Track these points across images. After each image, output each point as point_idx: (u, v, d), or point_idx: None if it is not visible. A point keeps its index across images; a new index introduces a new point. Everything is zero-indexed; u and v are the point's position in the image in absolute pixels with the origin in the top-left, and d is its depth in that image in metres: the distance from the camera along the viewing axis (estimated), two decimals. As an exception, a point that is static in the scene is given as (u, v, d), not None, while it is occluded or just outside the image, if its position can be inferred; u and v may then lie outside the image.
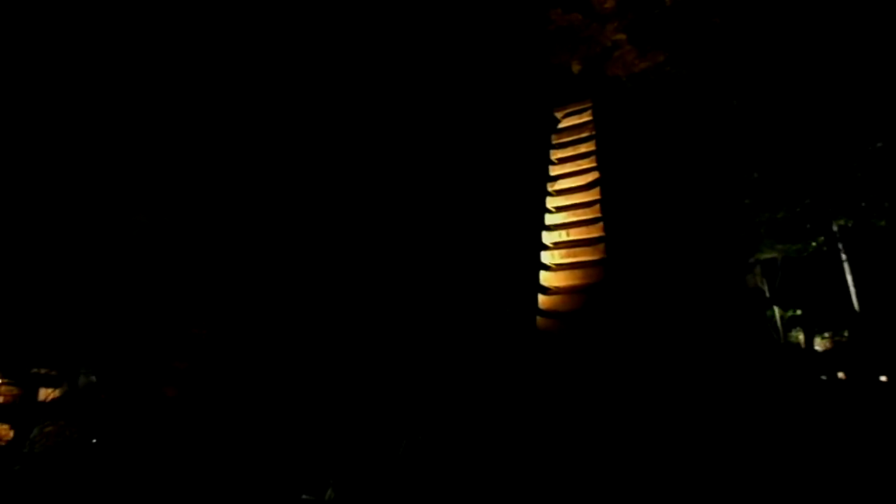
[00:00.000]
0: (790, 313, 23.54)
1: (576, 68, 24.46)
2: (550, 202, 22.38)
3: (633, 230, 21.55)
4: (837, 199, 21.95)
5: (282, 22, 27.44)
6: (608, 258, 20.27)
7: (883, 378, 18.30)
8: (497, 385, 20.16)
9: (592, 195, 21.45)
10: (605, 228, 20.70)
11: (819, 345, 23.56)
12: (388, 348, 22.22)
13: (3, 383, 22.28)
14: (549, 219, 22.15)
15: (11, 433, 20.68)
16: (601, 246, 20.49)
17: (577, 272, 20.85)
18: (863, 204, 21.57)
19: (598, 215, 21.02)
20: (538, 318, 20.90)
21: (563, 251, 21.43)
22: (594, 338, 19.19)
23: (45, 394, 22.62)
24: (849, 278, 21.29)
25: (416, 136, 25.30)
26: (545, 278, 21.33)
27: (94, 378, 22.76)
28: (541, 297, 21.08)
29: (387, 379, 21.37)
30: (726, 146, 24.83)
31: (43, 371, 22.78)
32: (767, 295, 24.21)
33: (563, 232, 21.64)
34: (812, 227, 22.42)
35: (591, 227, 21.06)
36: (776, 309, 23.49)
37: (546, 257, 21.61)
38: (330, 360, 22.88)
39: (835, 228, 22.22)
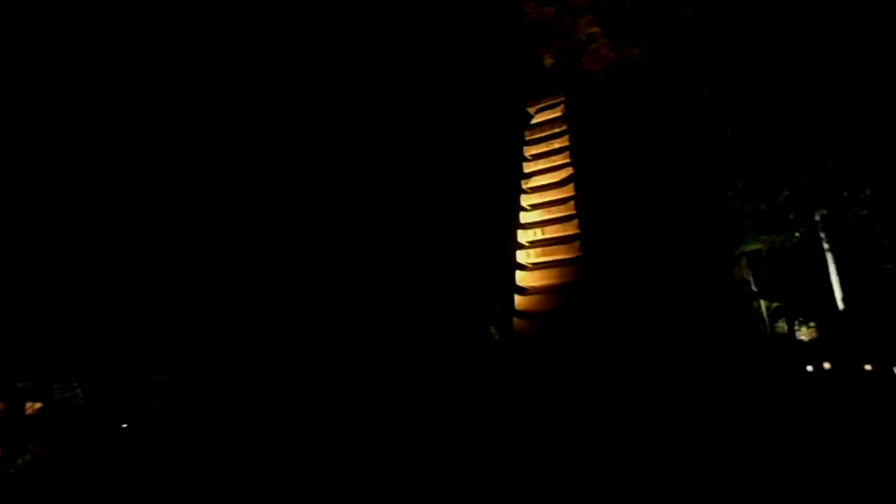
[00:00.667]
0: (775, 305, 23.28)
1: (548, 62, 23.90)
2: (525, 199, 21.81)
3: (610, 226, 21.04)
4: (818, 189, 21.67)
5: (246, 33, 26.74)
6: (584, 256, 19.71)
7: (868, 367, 17.92)
8: (473, 390, 19.59)
9: (567, 192, 20.90)
10: (580, 225, 20.14)
11: (805, 334, 23.30)
12: (361, 351, 21.57)
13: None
14: (524, 217, 21.58)
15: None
16: (576, 244, 19.96)
17: (552, 271, 20.30)
18: (844, 193, 21.29)
19: (573, 212, 20.48)
20: (515, 319, 20.33)
21: (538, 250, 20.87)
22: (572, 340, 18.64)
23: (30, 407, 22.14)
24: (831, 268, 21.05)
25: (387, 133, 24.63)
26: (521, 278, 20.76)
27: (77, 390, 22.29)
28: (517, 298, 20.53)
29: (359, 382, 20.72)
30: (703, 138, 24.46)
31: (27, 384, 22.25)
32: (753, 287, 23.91)
33: (539, 230, 21.07)
34: (794, 218, 22.15)
35: (566, 225, 20.51)
36: (762, 301, 23.20)
37: (521, 256, 21.05)
38: (305, 364, 22.24)
39: (817, 218, 21.93)
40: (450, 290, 22.22)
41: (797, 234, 22.25)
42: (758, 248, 23.36)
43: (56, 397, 22.48)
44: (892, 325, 19.34)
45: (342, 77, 24.98)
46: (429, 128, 24.95)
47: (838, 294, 20.91)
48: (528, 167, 22.23)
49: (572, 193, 20.79)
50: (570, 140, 21.93)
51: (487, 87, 25.74)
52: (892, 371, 12.83)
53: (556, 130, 22.11)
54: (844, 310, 20.82)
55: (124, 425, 20.38)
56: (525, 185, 22.03)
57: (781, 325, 23.54)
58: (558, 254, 20.39)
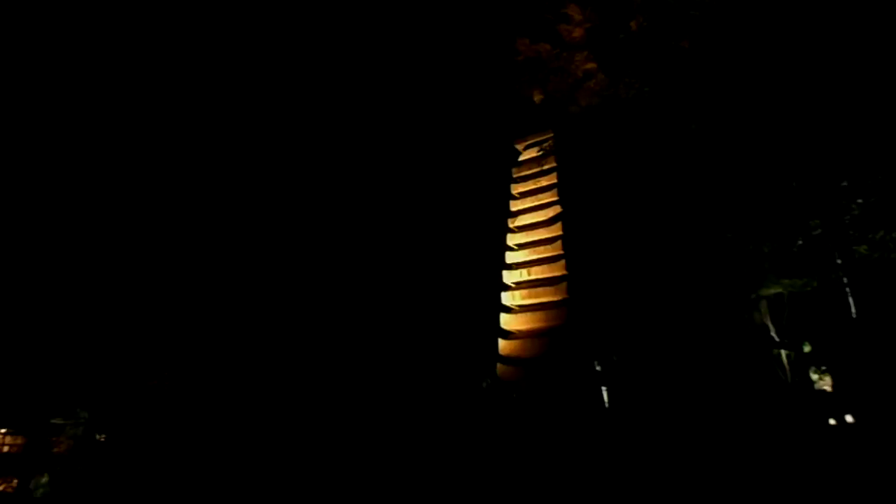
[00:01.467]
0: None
1: (537, 98, 23.22)
2: (511, 239, 20.92)
3: (605, 265, 20.01)
4: (842, 230, 20.22)
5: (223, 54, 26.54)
6: (571, 298, 18.68)
7: None
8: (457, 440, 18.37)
9: (554, 231, 20.00)
10: (567, 266, 19.17)
11: (828, 384, 21.85)
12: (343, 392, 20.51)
13: (6, 433, 21.73)
14: (511, 257, 20.66)
15: (15, 482, 20.11)
16: (563, 286, 18.95)
17: (538, 314, 19.25)
18: (870, 236, 19.80)
19: (560, 252, 19.54)
20: (499, 365, 19.23)
21: (524, 291, 19.87)
22: (558, 390, 17.51)
23: (56, 444, 21.93)
24: (854, 313, 19.33)
25: (374, 169, 24.04)
26: (506, 321, 19.73)
27: (97, 433, 22.08)
28: (501, 343, 19.46)
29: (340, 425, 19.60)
30: (708, 176, 23.43)
31: (56, 421, 22.08)
32: (772, 333, 22.53)
33: (525, 271, 20.12)
34: (816, 261, 20.68)
35: (553, 266, 19.56)
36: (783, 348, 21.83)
37: (507, 298, 20.05)
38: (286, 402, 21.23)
39: (839, 262, 20.52)
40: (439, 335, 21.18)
41: (817, 280, 20.69)
42: (778, 292, 21.93)
43: (82, 432, 22.22)
44: None
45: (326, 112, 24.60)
46: (419, 163, 24.32)
47: (864, 343, 19.27)
48: (514, 205, 21.41)
49: (560, 233, 19.89)
50: (560, 178, 21.10)
51: (477, 125, 25.18)
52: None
53: (545, 168, 21.34)
54: (870, 361, 19.30)
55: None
56: (512, 223, 21.18)
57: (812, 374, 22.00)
58: (545, 296, 19.37)
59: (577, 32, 24.32)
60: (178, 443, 21.18)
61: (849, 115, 19.87)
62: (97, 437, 22.22)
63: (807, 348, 21.37)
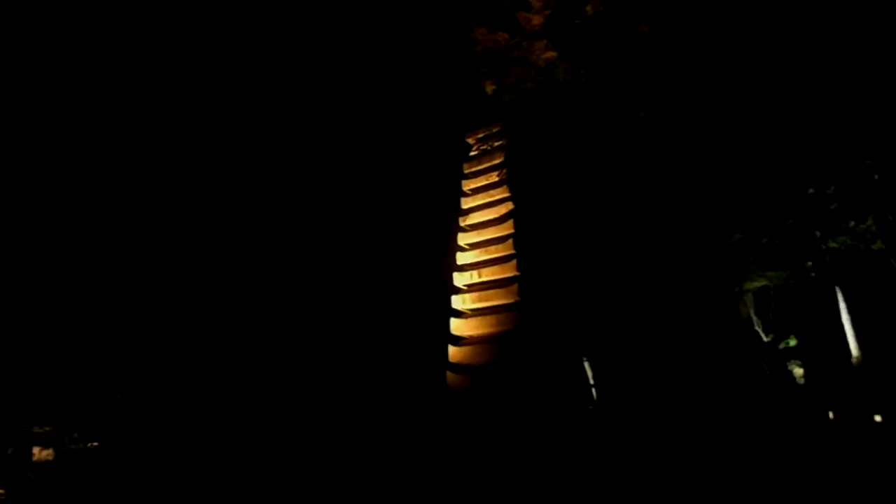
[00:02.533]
0: (783, 345, 21.06)
1: (489, 89, 22.04)
2: (462, 239, 19.76)
3: (566, 263, 18.96)
4: (823, 219, 19.10)
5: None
6: (523, 301, 17.58)
7: (878, 418, 15.44)
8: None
9: (506, 229, 18.88)
10: (519, 266, 18.07)
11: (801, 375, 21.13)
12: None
13: None
14: (461, 258, 19.51)
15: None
16: (515, 287, 17.84)
17: (490, 318, 18.13)
18: (852, 224, 18.67)
19: (512, 252, 18.44)
20: (448, 373, 18.11)
21: (475, 294, 18.76)
22: (509, 398, 16.42)
23: (38, 454, 20.85)
24: (842, 306, 18.11)
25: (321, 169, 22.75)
26: (457, 326, 18.60)
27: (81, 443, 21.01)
28: (451, 349, 18.34)
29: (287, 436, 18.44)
30: (680, 164, 22.37)
31: (36, 430, 20.95)
32: (756, 326, 21.65)
33: (476, 272, 18.99)
34: (801, 252, 19.63)
35: (504, 266, 18.45)
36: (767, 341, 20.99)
37: (457, 302, 18.90)
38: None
39: (819, 253, 19.54)
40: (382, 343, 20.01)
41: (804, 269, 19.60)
42: (763, 285, 20.92)
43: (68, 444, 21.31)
44: None
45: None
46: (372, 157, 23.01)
47: (851, 337, 18.12)
48: (465, 203, 20.24)
49: (511, 231, 18.78)
50: (515, 173, 19.97)
51: (431, 118, 23.93)
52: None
53: (496, 162, 20.20)
54: (857, 356, 18.35)
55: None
56: (463, 222, 20.01)
57: (793, 368, 21.15)
58: (496, 299, 18.27)
59: (537, 20, 23.09)
60: (128, 455, 20.29)
61: (818, 103, 18.87)
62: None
63: (792, 342, 20.58)
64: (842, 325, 18.03)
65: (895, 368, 16.96)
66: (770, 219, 19.94)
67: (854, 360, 17.44)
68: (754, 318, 21.29)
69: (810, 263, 19.10)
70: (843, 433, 15.51)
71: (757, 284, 20.57)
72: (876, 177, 16.88)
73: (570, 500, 11.99)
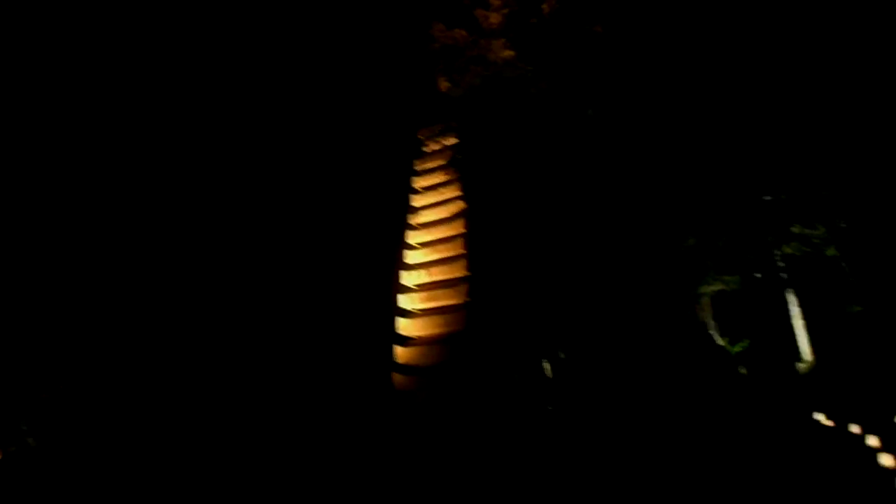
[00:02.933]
0: (737, 348, 21.32)
1: (444, 87, 21.74)
2: (412, 237, 19.39)
3: (509, 264, 18.66)
4: (777, 225, 19.37)
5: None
6: (473, 302, 17.31)
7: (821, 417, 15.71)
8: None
9: (456, 228, 18.61)
10: (469, 266, 17.79)
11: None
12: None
13: None
14: (411, 256, 19.13)
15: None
16: (464, 288, 17.55)
17: (438, 319, 17.81)
18: (807, 231, 18.97)
19: (462, 252, 18.14)
20: (395, 374, 17.68)
21: (424, 294, 18.40)
22: (458, 401, 16.10)
23: None
24: (794, 310, 18.31)
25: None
26: (404, 326, 18.19)
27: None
28: (398, 350, 17.93)
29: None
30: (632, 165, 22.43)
31: None
32: (711, 330, 21.92)
33: (424, 272, 18.64)
34: (754, 258, 19.86)
35: (453, 266, 18.16)
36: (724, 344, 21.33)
37: (405, 301, 18.51)
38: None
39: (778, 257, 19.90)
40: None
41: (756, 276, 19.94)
42: (720, 289, 21.16)
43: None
44: (860, 374, 17.11)
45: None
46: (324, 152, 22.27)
47: (803, 340, 18.44)
48: (416, 200, 19.88)
49: (462, 230, 18.49)
50: (468, 172, 19.67)
51: (384, 115, 23.42)
52: (848, 428, 10.71)
53: (449, 159, 19.89)
54: (810, 360, 18.76)
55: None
56: (413, 220, 19.64)
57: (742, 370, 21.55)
58: (445, 299, 17.96)
59: (495, 18, 22.89)
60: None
61: (775, 109, 19.08)
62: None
63: (739, 347, 20.91)
64: (793, 330, 18.36)
65: (846, 371, 17.24)
66: (725, 224, 20.19)
67: (806, 365, 17.81)
68: (711, 323, 21.62)
69: (761, 270, 19.38)
70: (783, 432, 15.69)
71: (714, 288, 20.84)
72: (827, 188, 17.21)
73: (524, 500, 11.77)
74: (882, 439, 8.33)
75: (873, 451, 8.01)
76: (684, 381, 18.16)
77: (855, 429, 9.52)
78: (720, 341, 21.82)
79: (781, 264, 19.10)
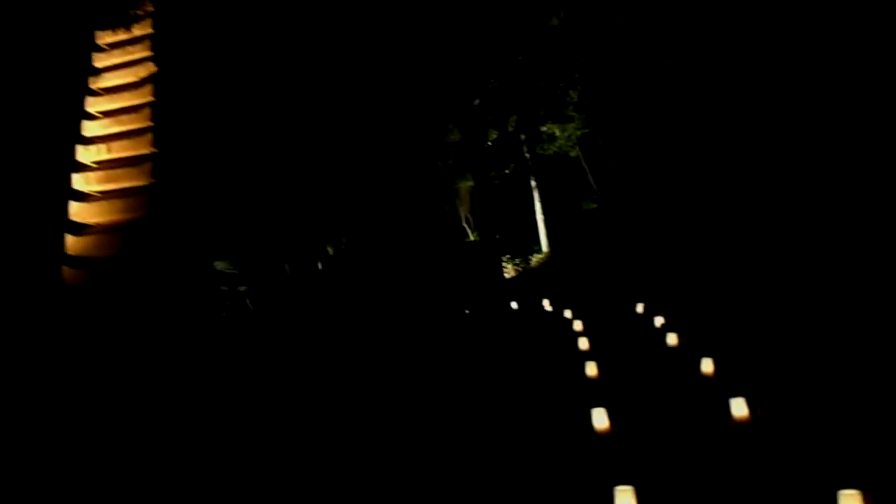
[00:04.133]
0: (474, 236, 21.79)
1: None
2: (92, 105, 15.99)
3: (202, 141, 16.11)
4: (525, 125, 19.42)
5: None
6: (157, 184, 14.79)
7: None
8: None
9: (143, 96, 15.57)
10: (155, 142, 15.07)
11: (512, 271, 22.08)
12: None
13: None
14: (89, 128, 15.84)
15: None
16: (148, 167, 14.90)
17: (118, 203, 15.11)
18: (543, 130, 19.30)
19: (148, 124, 15.28)
20: (64, 267, 14.88)
21: (102, 173, 15.46)
22: (134, 298, 13.85)
23: None
24: (537, 206, 18.97)
25: None
26: (77, 212, 15.25)
27: None
28: (69, 239, 15.05)
29: None
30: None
31: None
32: (465, 224, 21.67)
33: (104, 147, 15.58)
34: (506, 156, 19.96)
35: (138, 141, 15.31)
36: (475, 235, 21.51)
37: (79, 182, 15.42)
38: None
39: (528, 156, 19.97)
40: None
41: (507, 171, 20.23)
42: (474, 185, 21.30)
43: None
44: (586, 265, 17.72)
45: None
46: None
47: (542, 234, 19.24)
48: (99, 60, 16.31)
49: (150, 99, 15.54)
50: (161, 29, 16.40)
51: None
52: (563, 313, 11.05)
53: (141, 12, 16.40)
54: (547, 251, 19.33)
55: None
56: (94, 84, 16.16)
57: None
58: (126, 180, 15.20)
59: None
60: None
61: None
62: None
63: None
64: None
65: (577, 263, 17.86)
66: (483, 124, 20.25)
67: (542, 256, 18.53)
68: (467, 217, 21.90)
69: (512, 166, 19.48)
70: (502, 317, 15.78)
71: (469, 184, 21.23)
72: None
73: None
74: (584, 324, 8.74)
75: (576, 335, 8.13)
76: (431, 270, 17.70)
77: (567, 314, 10.08)
78: (471, 235, 21.98)
79: (529, 164, 19.53)
